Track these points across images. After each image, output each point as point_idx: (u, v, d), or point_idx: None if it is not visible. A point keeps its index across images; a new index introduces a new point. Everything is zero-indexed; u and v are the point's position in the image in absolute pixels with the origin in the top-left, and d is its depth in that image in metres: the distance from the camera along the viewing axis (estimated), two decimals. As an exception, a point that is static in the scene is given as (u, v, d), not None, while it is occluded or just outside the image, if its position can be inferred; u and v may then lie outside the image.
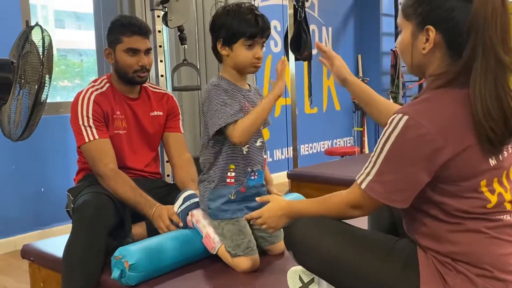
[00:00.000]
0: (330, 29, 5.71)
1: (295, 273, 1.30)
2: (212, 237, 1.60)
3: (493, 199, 1.06)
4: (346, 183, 2.96)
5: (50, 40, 1.87)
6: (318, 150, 5.55)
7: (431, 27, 1.07)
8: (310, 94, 4.29)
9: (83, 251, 1.60)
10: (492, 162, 1.05)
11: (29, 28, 1.89)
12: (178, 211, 1.70)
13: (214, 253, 1.61)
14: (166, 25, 2.66)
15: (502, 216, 1.07)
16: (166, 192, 2.00)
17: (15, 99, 1.87)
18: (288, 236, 1.26)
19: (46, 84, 1.84)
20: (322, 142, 5.62)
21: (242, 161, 1.57)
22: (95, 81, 2.00)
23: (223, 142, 1.56)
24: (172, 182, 2.16)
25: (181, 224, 1.69)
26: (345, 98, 5.78)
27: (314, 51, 3.65)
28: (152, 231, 1.79)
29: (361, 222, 1.43)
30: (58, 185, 3.18)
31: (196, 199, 1.70)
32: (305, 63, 4.14)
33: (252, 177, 1.59)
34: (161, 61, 2.59)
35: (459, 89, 1.05)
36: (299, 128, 3.95)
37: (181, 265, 1.62)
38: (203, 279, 1.56)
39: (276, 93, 1.53)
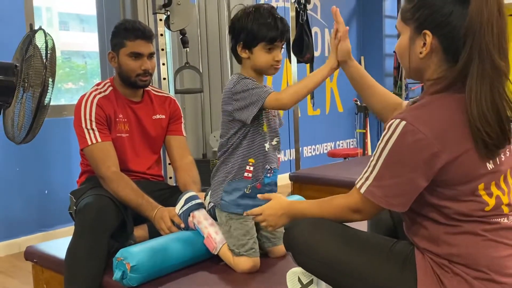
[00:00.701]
0: (332, 31, 5.71)
1: (295, 275, 1.31)
2: (213, 237, 1.62)
3: (491, 202, 1.07)
4: (349, 185, 2.96)
5: (53, 43, 1.88)
6: (321, 152, 5.55)
7: (428, 32, 1.08)
8: (312, 96, 4.30)
9: (85, 253, 1.62)
10: (490, 166, 1.06)
11: (32, 32, 1.91)
12: (180, 213, 1.72)
13: (216, 253, 1.62)
14: (169, 28, 2.68)
15: (499, 219, 1.08)
16: (168, 195, 2.02)
17: (18, 102, 1.89)
18: (288, 237, 1.27)
19: (49, 88, 1.86)
20: (325, 144, 5.63)
21: (262, 157, 1.58)
22: (98, 84, 2.02)
23: (246, 135, 1.56)
24: (174, 185, 2.17)
25: (182, 225, 1.71)
26: (347, 100, 5.78)
27: (317, 53, 3.66)
28: (154, 233, 1.80)
29: (361, 224, 1.44)
30: (61, 187, 3.20)
31: (198, 201, 1.71)
32: (308, 65, 4.14)
33: (269, 175, 1.61)
34: (163, 64, 2.61)
35: (456, 94, 1.06)
36: (301, 130, 3.97)
37: (183, 266, 1.63)
38: (205, 280, 1.57)
39: (330, 65, 1.49)
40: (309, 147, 5.41)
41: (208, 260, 1.67)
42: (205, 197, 1.78)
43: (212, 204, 1.66)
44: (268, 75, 1.61)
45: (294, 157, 3.98)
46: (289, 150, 4.79)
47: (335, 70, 1.51)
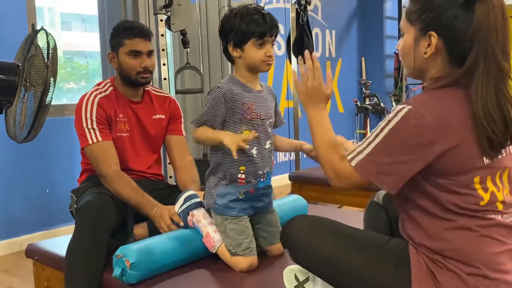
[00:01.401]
0: (333, 32, 5.73)
1: (291, 272, 1.33)
2: (212, 236, 1.63)
3: (486, 197, 1.09)
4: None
5: (55, 43, 1.90)
6: (321, 153, 5.56)
7: (433, 33, 1.12)
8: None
9: (85, 250, 1.63)
10: (486, 160, 1.08)
11: (34, 32, 1.93)
12: (179, 211, 1.74)
13: (214, 251, 1.64)
14: (169, 29, 2.69)
15: (493, 216, 1.10)
16: (168, 193, 2.03)
17: (20, 102, 1.91)
18: (285, 235, 1.29)
19: (50, 87, 1.88)
20: (325, 145, 5.64)
21: (252, 163, 1.60)
22: (99, 84, 2.04)
23: None
24: (174, 184, 2.19)
25: (182, 224, 1.73)
26: (348, 101, 5.80)
27: (318, 54, 3.68)
28: (154, 231, 1.82)
29: (357, 222, 1.46)
30: (63, 186, 3.22)
31: (197, 199, 1.73)
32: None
33: (262, 179, 1.62)
34: (164, 64, 2.63)
35: (458, 90, 1.10)
36: (301, 130, 3.98)
37: (182, 264, 1.65)
38: (203, 277, 1.59)
39: (226, 140, 1.48)
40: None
41: (206, 258, 1.69)
42: (203, 196, 1.80)
43: (207, 206, 1.69)
44: (261, 71, 1.62)
45: (294, 157, 4.00)
46: (289, 150, 4.80)
47: (229, 144, 1.48)
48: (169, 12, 2.64)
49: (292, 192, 3.37)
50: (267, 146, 1.64)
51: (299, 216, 1.34)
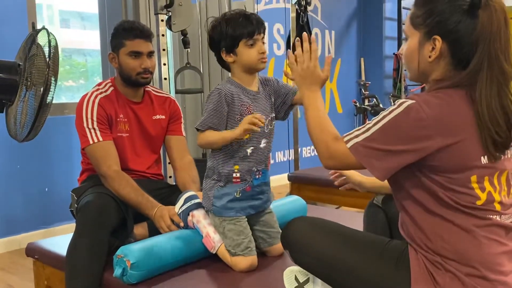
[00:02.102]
0: (333, 32, 5.74)
1: (292, 273, 1.34)
2: (212, 236, 1.64)
3: (483, 196, 1.10)
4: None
5: (56, 43, 1.91)
6: (320, 153, 5.57)
7: (438, 37, 1.14)
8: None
9: (86, 250, 1.64)
10: (484, 160, 1.10)
11: (35, 31, 1.93)
12: (179, 212, 1.74)
13: (214, 252, 1.64)
14: (170, 29, 2.70)
15: (491, 216, 1.11)
16: (168, 193, 2.04)
17: (21, 101, 1.91)
18: (285, 236, 1.31)
19: (51, 86, 1.88)
20: (324, 145, 5.64)
21: (246, 162, 1.61)
22: (99, 84, 2.04)
23: (230, 143, 1.59)
24: (173, 184, 2.20)
25: (182, 224, 1.73)
26: (347, 101, 5.81)
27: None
28: (154, 231, 1.83)
29: (355, 223, 1.47)
30: (62, 185, 3.22)
31: (197, 200, 1.74)
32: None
33: (257, 176, 1.63)
34: (164, 64, 2.63)
35: (460, 90, 1.12)
36: (300, 130, 3.99)
37: (182, 264, 1.65)
38: (203, 278, 1.59)
39: (233, 135, 1.53)
40: (308, 147, 5.43)
41: (207, 259, 1.69)
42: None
43: (206, 209, 1.69)
44: (258, 69, 1.63)
45: (293, 158, 4.01)
46: (288, 150, 4.82)
47: (238, 138, 1.54)
48: (170, 12, 2.64)
49: (291, 192, 3.38)
50: (263, 145, 1.64)
51: (300, 218, 1.34)
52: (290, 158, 4.69)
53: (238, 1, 3.30)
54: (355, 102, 5.27)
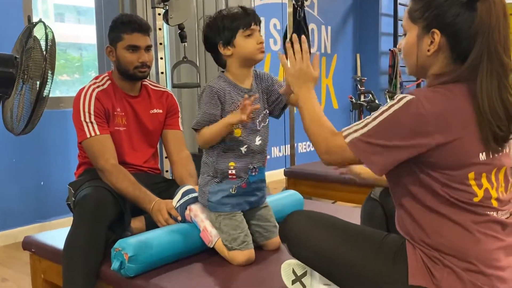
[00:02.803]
0: (329, 28, 5.74)
1: (289, 266, 1.34)
2: (209, 231, 1.65)
3: (480, 193, 1.11)
4: (342, 181, 2.98)
5: (53, 36, 1.90)
6: (316, 148, 5.58)
7: (436, 31, 1.14)
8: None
9: (84, 243, 1.64)
10: (482, 157, 1.10)
11: (32, 24, 1.92)
12: (177, 206, 1.74)
13: (211, 246, 1.65)
14: (167, 23, 2.69)
15: (488, 212, 1.12)
16: (165, 187, 2.04)
17: (18, 94, 1.90)
18: (283, 230, 1.31)
19: (48, 80, 1.88)
20: (320, 140, 5.66)
21: (242, 159, 1.61)
22: (96, 78, 2.04)
23: (223, 140, 1.60)
24: (170, 178, 2.20)
25: (179, 218, 1.73)
26: (343, 97, 5.82)
27: (313, 50, 3.69)
28: (151, 225, 1.83)
29: (351, 217, 1.48)
30: (57, 178, 3.22)
31: (195, 194, 1.74)
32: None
33: (253, 173, 1.64)
34: (161, 58, 2.63)
35: (461, 85, 1.12)
36: (296, 126, 3.99)
37: (179, 258, 1.66)
38: (200, 271, 1.60)
39: (230, 120, 1.53)
40: (304, 143, 5.44)
41: (204, 253, 1.70)
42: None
43: (201, 204, 1.70)
44: (257, 61, 1.63)
45: (289, 153, 4.02)
46: (284, 146, 4.82)
47: (233, 125, 1.55)
48: (167, 6, 2.64)
49: (287, 187, 3.38)
50: (257, 143, 1.64)
51: (298, 211, 1.35)
52: (286, 154, 4.69)
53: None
54: (351, 98, 5.27)
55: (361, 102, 5.17)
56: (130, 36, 1.96)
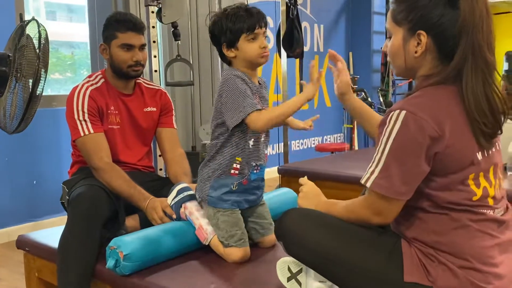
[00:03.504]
0: (322, 26, 5.76)
1: (285, 264, 1.35)
2: (204, 228, 1.65)
3: (478, 192, 1.12)
4: (336, 179, 2.99)
5: (46, 34, 1.90)
6: (309, 146, 5.61)
7: (422, 32, 1.14)
8: (301, 91, 4.34)
9: (78, 242, 1.64)
10: (480, 156, 1.11)
11: (25, 22, 1.92)
12: (172, 203, 1.74)
13: (207, 244, 1.65)
14: (160, 21, 2.69)
15: (485, 210, 1.13)
16: (159, 186, 2.04)
17: (11, 92, 1.90)
18: (279, 227, 1.31)
19: (41, 78, 1.87)
20: (313, 138, 5.69)
21: (248, 154, 1.61)
22: (90, 76, 2.03)
23: (233, 133, 1.59)
24: (164, 176, 2.20)
25: (174, 216, 1.74)
26: (335, 96, 5.83)
27: (306, 48, 3.69)
28: (145, 223, 1.83)
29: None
30: (50, 177, 3.20)
31: (190, 192, 1.74)
32: (297, 60, 4.17)
33: (255, 171, 1.64)
34: (154, 56, 2.62)
35: (449, 86, 1.12)
36: (290, 124, 4.00)
37: (175, 255, 1.66)
38: (196, 269, 1.60)
39: (306, 95, 1.57)
40: (297, 141, 5.46)
41: (199, 250, 1.70)
42: (195, 189, 1.81)
43: (200, 199, 1.70)
44: (259, 64, 1.62)
45: (282, 151, 4.02)
46: (277, 144, 4.83)
47: (310, 100, 1.58)
48: (160, 4, 2.63)
49: (281, 185, 3.39)
50: (263, 138, 1.65)
51: (294, 209, 1.36)
52: (279, 151, 4.70)
53: (228, -6, 3.28)
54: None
55: (354, 100, 5.19)
56: (125, 35, 1.95)
